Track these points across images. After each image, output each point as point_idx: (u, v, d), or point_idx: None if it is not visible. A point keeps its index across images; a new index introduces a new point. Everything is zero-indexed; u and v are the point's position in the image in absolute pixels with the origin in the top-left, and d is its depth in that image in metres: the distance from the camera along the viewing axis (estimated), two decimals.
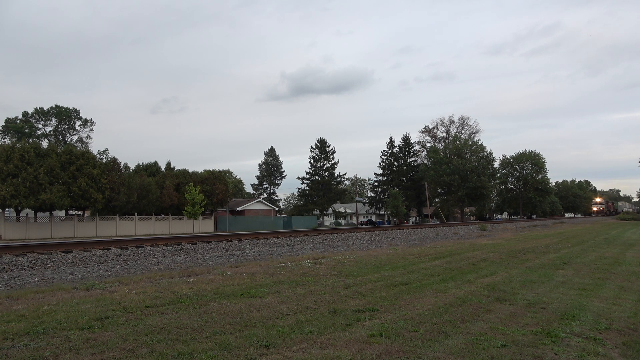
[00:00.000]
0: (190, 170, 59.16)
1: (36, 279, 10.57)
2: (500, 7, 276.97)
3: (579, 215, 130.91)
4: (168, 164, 63.01)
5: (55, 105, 67.78)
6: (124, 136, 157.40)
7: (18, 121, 65.85)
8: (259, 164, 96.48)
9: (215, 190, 54.75)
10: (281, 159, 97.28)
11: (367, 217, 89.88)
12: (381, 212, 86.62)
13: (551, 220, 66.08)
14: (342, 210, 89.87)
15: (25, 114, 66.56)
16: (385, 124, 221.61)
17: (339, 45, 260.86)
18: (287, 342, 5.03)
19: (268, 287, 8.32)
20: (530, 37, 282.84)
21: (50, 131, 68.09)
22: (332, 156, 76.55)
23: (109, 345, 4.81)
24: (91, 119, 70.52)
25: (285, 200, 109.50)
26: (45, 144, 58.65)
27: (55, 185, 39.33)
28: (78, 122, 69.79)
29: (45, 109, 67.08)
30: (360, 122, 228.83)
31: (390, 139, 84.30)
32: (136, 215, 49.56)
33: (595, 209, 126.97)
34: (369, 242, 22.18)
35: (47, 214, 45.12)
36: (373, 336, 5.26)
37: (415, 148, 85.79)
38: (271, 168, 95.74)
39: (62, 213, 47.30)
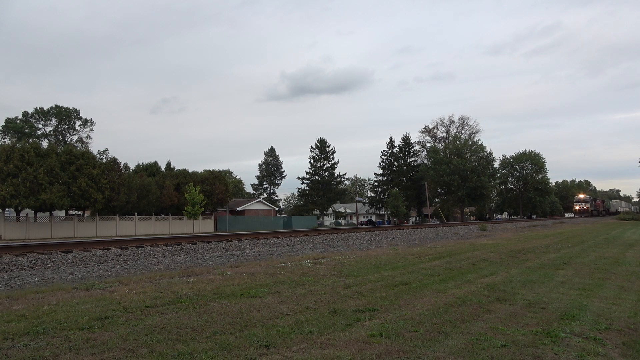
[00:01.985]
0: (190, 170, 59.21)
1: (36, 279, 10.57)
2: (500, 7, 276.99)
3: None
4: (168, 164, 63.04)
5: (55, 105, 67.78)
6: (124, 136, 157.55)
7: (18, 121, 65.84)
8: (259, 164, 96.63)
9: (215, 190, 54.76)
10: (281, 159, 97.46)
11: (367, 217, 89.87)
12: (381, 212, 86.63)
13: (551, 220, 66.07)
14: (342, 210, 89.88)
15: (25, 114, 66.57)
16: (385, 124, 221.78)
17: (339, 45, 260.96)
18: (287, 342, 5.03)
19: (268, 287, 8.32)
20: (530, 37, 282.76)
21: (50, 131, 68.10)
22: (332, 156, 76.62)
23: (109, 345, 4.81)
24: (91, 119, 70.57)
25: (285, 200, 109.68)
26: (45, 144, 58.64)
27: (55, 185, 39.33)
28: (78, 122, 69.81)
29: (45, 109, 67.10)
30: (360, 122, 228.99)
31: (390, 139, 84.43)
32: (136, 215, 49.55)
33: (577, 207, 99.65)
34: (369, 242, 22.17)
35: (47, 214, 45.12)
36: (373, 336, 5.26)
37: (415, 148, 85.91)
38: (271, 168, 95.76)
39: (62, 213, 47.30)
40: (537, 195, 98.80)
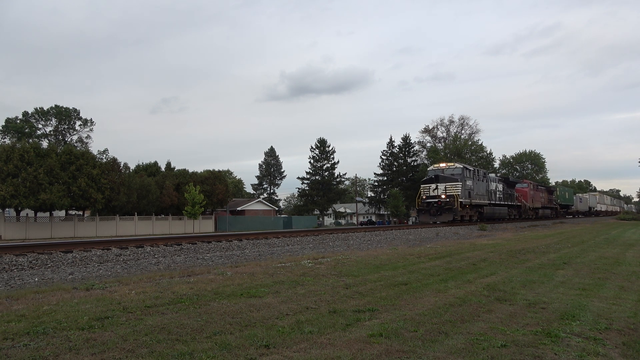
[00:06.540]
0: (190, 170, 59.27)
1: (36, 279, 10.56)
2: (501, 7, 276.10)
3: (579, 216, 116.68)
4: (168, 164, 63.06)
5: (55, 105, 67.83)
6: (124, 136, 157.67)
7: (18, 121, 65.86)
8: (259, 164, 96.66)
9: (215, 190, 54.78)
10: (281, 159, 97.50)
11: (367, 217, 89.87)
12: (381, 212, 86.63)
13: (551, 220, 66.06)
14: (342, 210, 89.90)
15: (25, 114, 66.58)
16: (385, 124, 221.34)
17: (340, 45, 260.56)
18: (287, 342, 5.03)
19: (268, 287, 8.31)
20: (531, 38, 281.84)
21: (50, 131, 68.14)
22: (332, 156, 76.68)
23: (109, 345, 4.81)
24: (91, 119, 70.68)
25: (285, 200, 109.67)
26: (45, 144, 58.69)
27: (55, 185, 39.34)
28: (78, 122, 69.91)
29: (45, 109, 67.14)
30: (360, 122, 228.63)
31: (390, 139, 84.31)
32: (136, 215, 49.56)
33: (424, 197, 35.94)
34: (369, 242, 22.17)
35: (47, 214, 45.13)
36: (373, 336, 5.26)
37: (415, 148, 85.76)
38: (271, 168, 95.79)
39: (62, 213, 47.32)
40: None
